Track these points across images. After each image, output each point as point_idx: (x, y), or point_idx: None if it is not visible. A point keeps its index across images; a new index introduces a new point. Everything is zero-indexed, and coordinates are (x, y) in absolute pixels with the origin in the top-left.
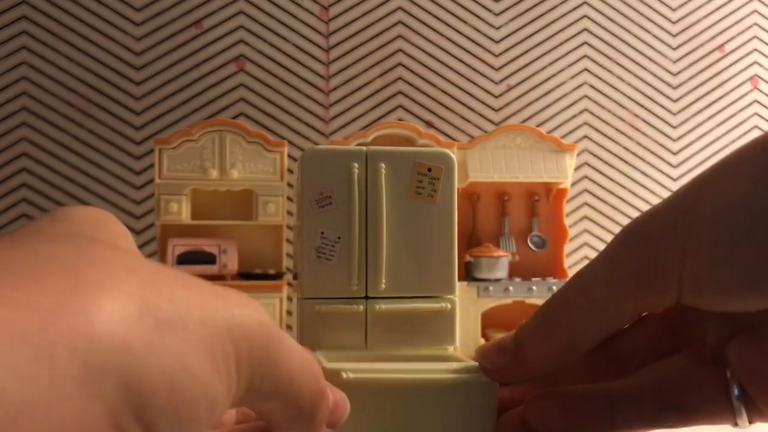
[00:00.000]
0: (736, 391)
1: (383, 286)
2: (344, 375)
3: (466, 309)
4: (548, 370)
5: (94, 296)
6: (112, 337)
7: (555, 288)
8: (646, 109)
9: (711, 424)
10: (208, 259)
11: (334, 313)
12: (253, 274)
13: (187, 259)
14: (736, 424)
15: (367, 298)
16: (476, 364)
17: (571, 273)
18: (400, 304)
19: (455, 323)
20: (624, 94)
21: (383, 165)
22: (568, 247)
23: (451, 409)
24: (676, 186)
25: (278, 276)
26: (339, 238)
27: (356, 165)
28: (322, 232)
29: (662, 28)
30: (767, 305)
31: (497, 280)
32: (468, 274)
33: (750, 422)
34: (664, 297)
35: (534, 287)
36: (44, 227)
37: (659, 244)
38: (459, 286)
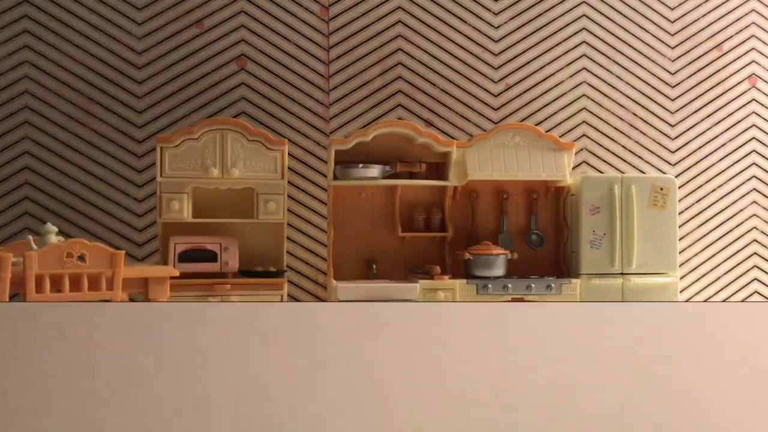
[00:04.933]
0: None
1: (633, 265)
2: None
3: None
4: None
5: None
6: None
7: (554, 286)
8: (645, 107)
9: None
10: (210, 257)
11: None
12: (254, 272)
13: (188, 257)
14: None
15: (622, 274)
16: None
17: (569, 271)
18: (643, 278)
19: (677, 292)
20: (622, 93)
21: (633, 186)
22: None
23: None
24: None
25: (279, 274)
26: (604, 234)
27: (616, 186)
28: (594, 231)
29: (660, 28)
30: None
31: (496, 278)
32: (467, 272)
33: None
34: None
35: (533, 284)
36: None
37: None
38: (458, 284)
